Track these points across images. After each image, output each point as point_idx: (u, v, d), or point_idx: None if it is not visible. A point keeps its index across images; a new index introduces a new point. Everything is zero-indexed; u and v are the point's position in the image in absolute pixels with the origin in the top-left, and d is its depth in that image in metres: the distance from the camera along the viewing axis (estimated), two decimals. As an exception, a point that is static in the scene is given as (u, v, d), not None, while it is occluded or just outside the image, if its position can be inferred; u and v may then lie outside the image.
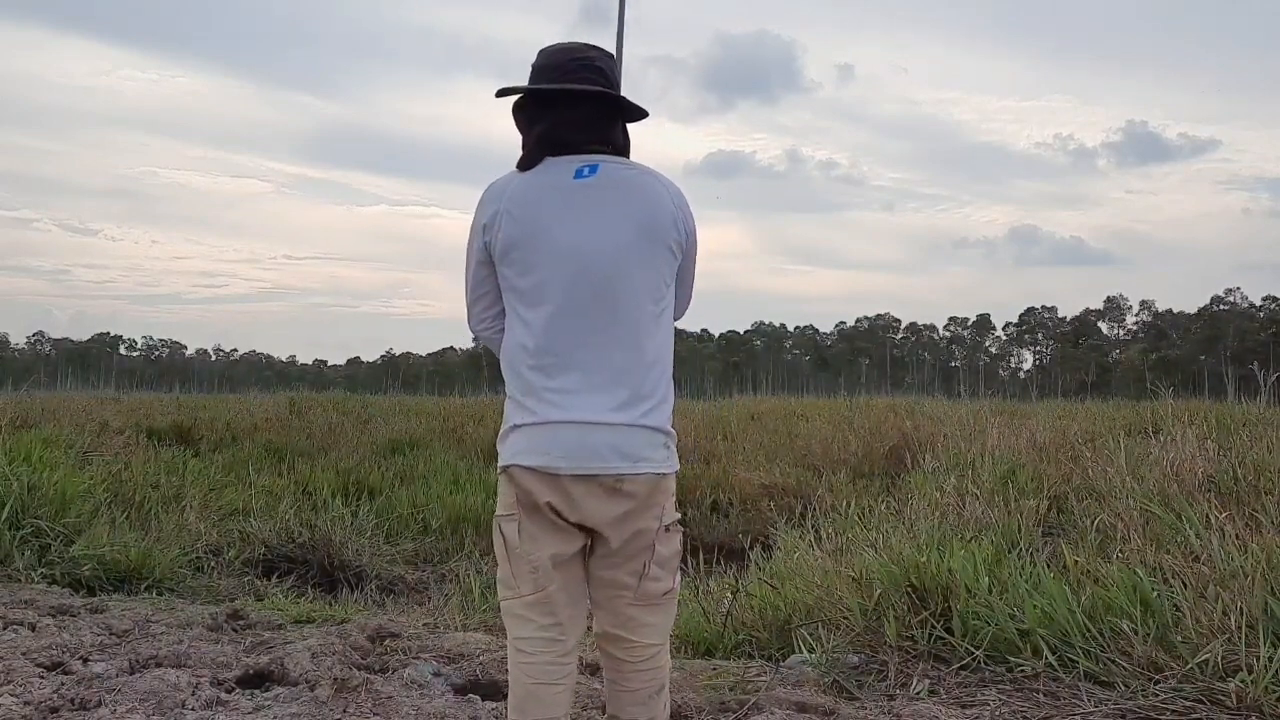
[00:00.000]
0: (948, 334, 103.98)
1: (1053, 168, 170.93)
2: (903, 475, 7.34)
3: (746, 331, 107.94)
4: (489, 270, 2.22)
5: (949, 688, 3.10)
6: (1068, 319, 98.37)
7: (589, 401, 2.10)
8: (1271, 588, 3.14)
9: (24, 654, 3.35)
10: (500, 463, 2.16)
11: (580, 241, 2.12)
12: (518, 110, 2.26)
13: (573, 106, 2.19)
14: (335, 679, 3.10)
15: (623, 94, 2.29)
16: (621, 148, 2.26)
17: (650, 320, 2.17)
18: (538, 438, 2.10)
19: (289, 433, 12.86)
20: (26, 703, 2.89)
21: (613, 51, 2.67)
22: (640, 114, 2.29)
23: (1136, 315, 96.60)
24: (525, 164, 2.22)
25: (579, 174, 2.17)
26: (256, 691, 3.12)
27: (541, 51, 2.28)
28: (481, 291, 2.26)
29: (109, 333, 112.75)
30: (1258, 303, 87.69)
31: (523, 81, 2.25)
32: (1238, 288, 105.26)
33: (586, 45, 2.28)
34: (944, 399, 20.28)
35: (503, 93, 2.26)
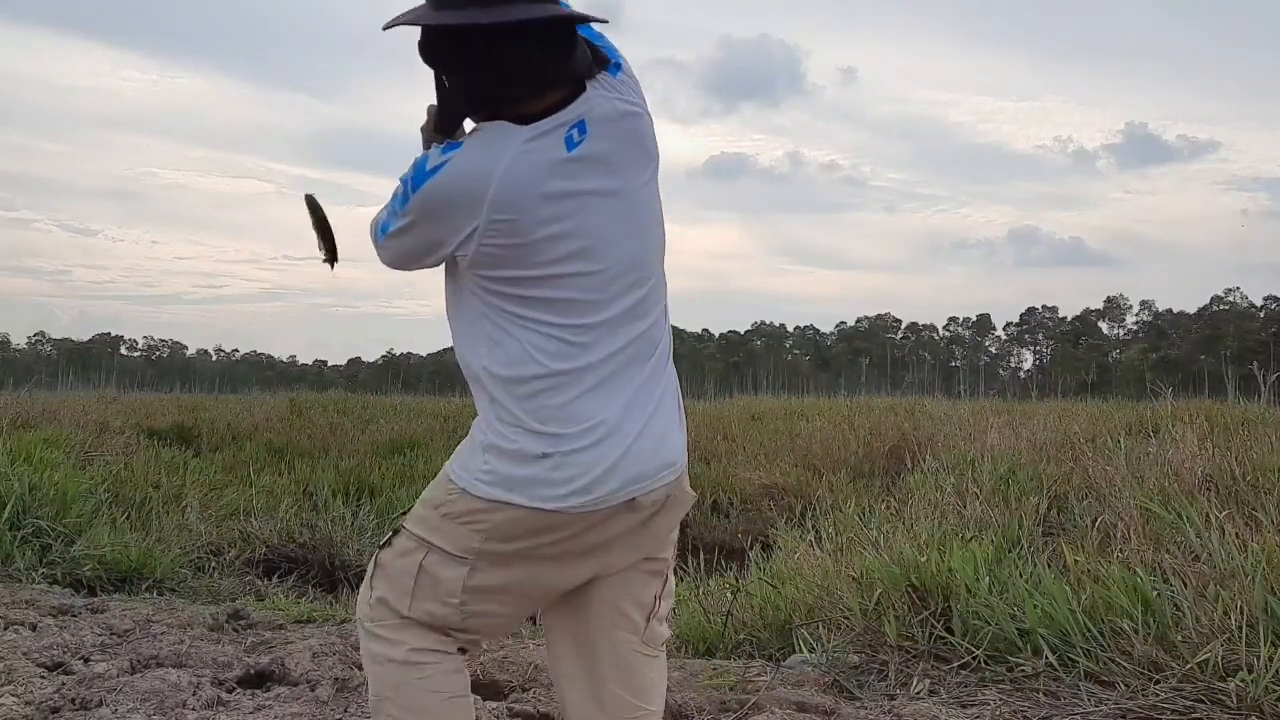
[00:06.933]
0: (948, 334, 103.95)
1: (1052, 169, 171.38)
2: (903, 475, 7.35)
3: (747, 332, 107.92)
4: (441, 262, 1.67)
5: (949, 687, 3.10)
6: (1068, 319, 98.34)
7: (637, 414, 1.64)
8: (1271, 587, 3.14)
9: (25, 654, 3.35)
10: (494, 495, 1.59)
11: (595, 237, 1.61)
12: (431, 57, 1.62)
13: (519, 42, 1.54)
14: (336, 679, 3.11)
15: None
16: (585, 72, 1.62)
17: (665, 314, 1.73)
18: (585, 469, 1.58)
19: (290, 433, 12.87)
20: (28, 703, 2.89)
21: None
22: (594, 20, 1.63)
23: (1136, 315, 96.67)
24: (448, 126, 1.65)
25: (569, 144, 1.58)
26: (257, 691, 3.12)
27: None
28: (418, 267, 1.69)
29: (110, 333, 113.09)
30: (1258, 303, 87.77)
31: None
32: (1237, 287, 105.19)
33: None
34: (944, 399, 20.28)
35: (393, 25, 1.60)
